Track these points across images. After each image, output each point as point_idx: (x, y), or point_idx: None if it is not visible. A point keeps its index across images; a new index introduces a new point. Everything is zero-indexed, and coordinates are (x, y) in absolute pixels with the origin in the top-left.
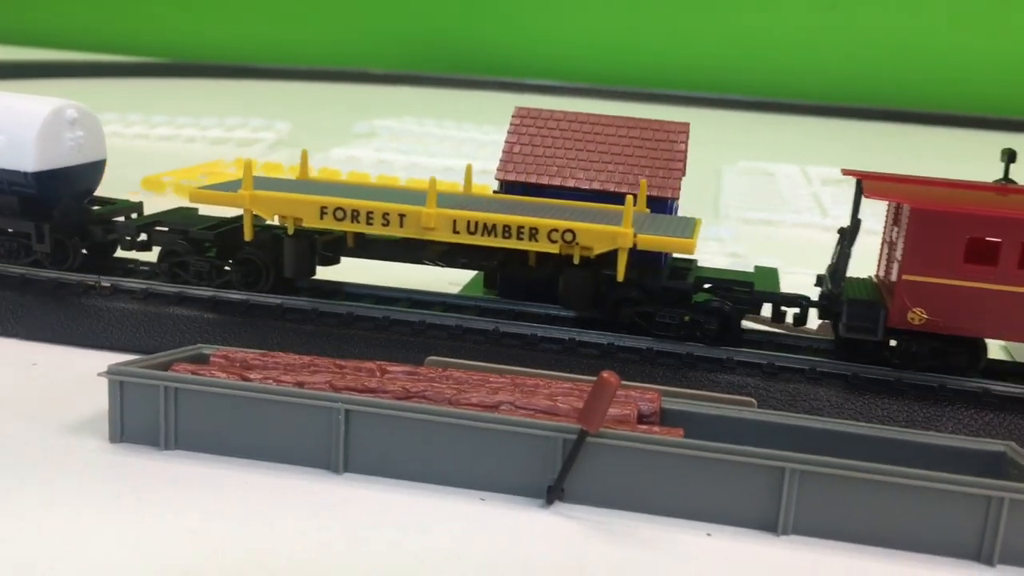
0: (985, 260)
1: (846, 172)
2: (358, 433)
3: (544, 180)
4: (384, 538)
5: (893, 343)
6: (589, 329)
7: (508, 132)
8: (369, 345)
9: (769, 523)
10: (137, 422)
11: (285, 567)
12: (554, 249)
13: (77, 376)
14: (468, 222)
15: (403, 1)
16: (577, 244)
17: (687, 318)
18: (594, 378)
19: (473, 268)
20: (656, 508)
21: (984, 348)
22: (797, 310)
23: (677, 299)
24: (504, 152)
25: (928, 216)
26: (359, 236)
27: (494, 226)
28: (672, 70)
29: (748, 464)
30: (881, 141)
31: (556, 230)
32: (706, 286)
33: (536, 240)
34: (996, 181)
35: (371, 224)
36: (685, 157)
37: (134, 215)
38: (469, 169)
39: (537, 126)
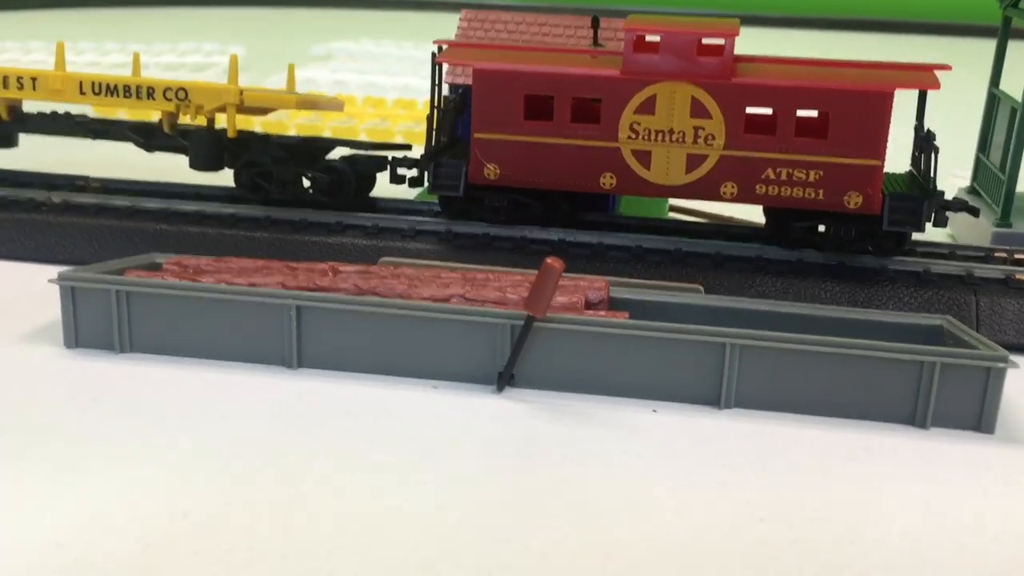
0: (542, 115)
1: (437, 42)
2: (311, 329)
3: None
4: (338, 424)
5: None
6: (542, 227)
7: (456, 35)
8: (324, 250)
9: (712, 398)
10: (91, 327)
11: (242, 454)
12: (170, 107)
13: (31, 289)
14: (92, 83)
15: None
16: (191, 102)
17: (306, 178)
18: None
19: (118, 138)
20: (604, 389)
21: (565, 200)
22: (415, 172)
23: (305, 163)
24: None
25: (489, 76)
26: (12, 110)
27: (115, 87)
28: None
29: (690, 341)
30: (841, 51)
31: (170, 88)
32: (346, 153)
33: (153, 99)
34: (588, 46)
35: (7, 88)
36: None
37: None
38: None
39: (484, 28)
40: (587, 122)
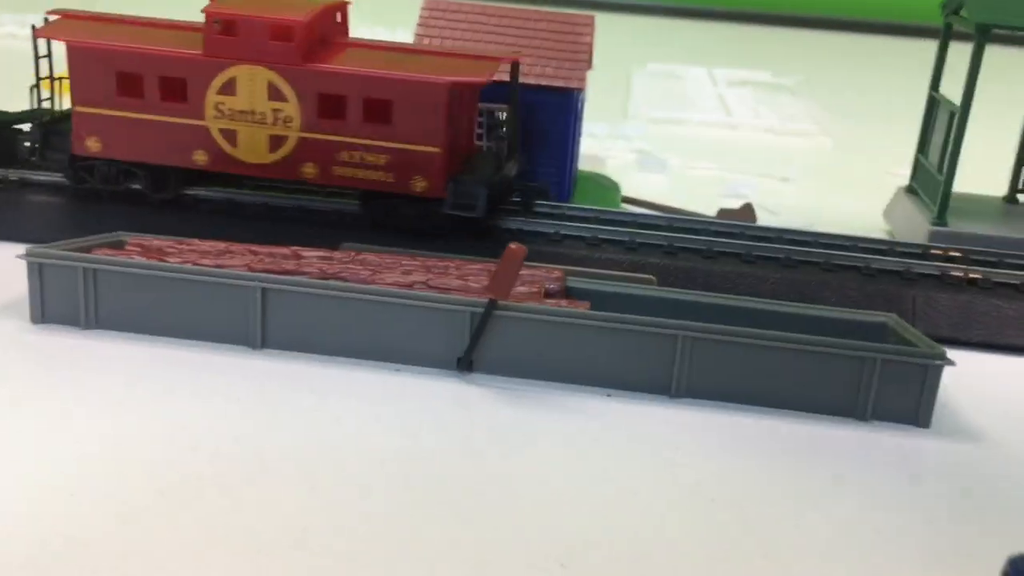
0: (135, 92)
1: (48, 12)
2: (275, 311)
3: None
4: (302, 404)
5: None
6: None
7: (417, 25)
8: (286, 235)
9: (664, 387)
10: (57, 303)
11: (207, 431)
12: None
13: None
14: None
15: None
16: None
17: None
18: None
19: None
20: (560, 376)
21: (173, 174)
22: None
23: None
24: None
25: (81, 51)
26: None
27: None
28: None
29: (645, 332)
30: (787, 48)
31: None
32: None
33: None
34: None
35: None
36: (591, 48)
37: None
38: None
39: (447, 18)
40: (177, 100)
